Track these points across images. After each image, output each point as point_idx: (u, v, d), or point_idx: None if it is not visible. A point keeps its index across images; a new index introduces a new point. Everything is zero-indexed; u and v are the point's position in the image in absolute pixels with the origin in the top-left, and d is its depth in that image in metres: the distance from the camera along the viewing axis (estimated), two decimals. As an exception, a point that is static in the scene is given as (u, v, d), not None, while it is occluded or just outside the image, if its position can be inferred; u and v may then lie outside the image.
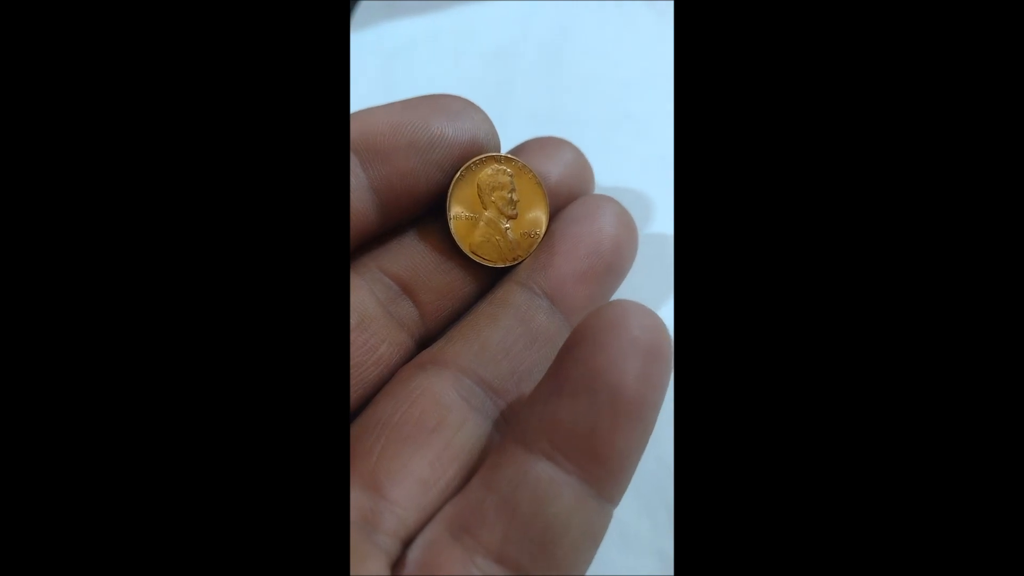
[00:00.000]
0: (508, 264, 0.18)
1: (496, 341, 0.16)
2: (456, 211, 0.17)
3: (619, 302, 0.13)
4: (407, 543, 0.14)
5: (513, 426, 0.14)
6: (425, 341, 0.17)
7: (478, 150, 0.17)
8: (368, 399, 0.16)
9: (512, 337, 0.16)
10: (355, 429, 0.15)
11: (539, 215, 0.18)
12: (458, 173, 0.17)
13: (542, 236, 0.18)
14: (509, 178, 0.17)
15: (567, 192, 0.18)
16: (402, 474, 0.14)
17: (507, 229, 0.17)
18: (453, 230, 0.17)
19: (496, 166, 0.17)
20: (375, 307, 0.16)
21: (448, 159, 0.17)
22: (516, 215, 0.17)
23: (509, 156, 0.17)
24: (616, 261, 0.17)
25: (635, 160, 0.24)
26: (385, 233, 0.17)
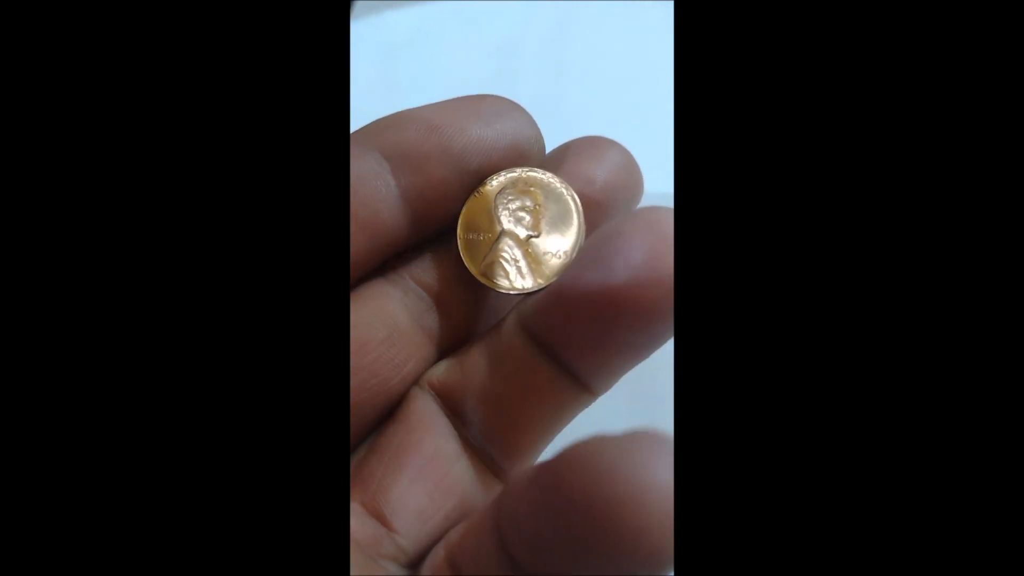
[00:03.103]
0: (521, 292, 0.15)
1: (489, 387, 0.15)
2: (468, 234, 0.15)
3: (598, 452, 0.10)
4: (409, 568, 0.14)
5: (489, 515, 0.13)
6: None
7: (519, 156, 0.15)
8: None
9: (508, 387, 0.14)
10: (365, 450, 0.15)
11: (571, 233, 0.16)
12: (475, 192, 0.15)
13: (571, 261, 0.15)
14: (531, 190, 0.16)
15: (612, 198, 0.16)
16: (401, 503, 0.14)
17: (527, 247, 0.16)
18: (461, 251, 0.15)
19: (514, 176, 0.16)
20: (406, 320, 0.15)
21: (487, 166, 0.15)
22: (539, 233, 0.16)
23: (534, 169, 0.16)
24: (632, 317, 0.13)
25: (641, 156, 0.23)
26: (421, 242, 0.16)
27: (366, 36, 0.33)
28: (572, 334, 0.14)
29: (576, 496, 0.10)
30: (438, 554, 0.13)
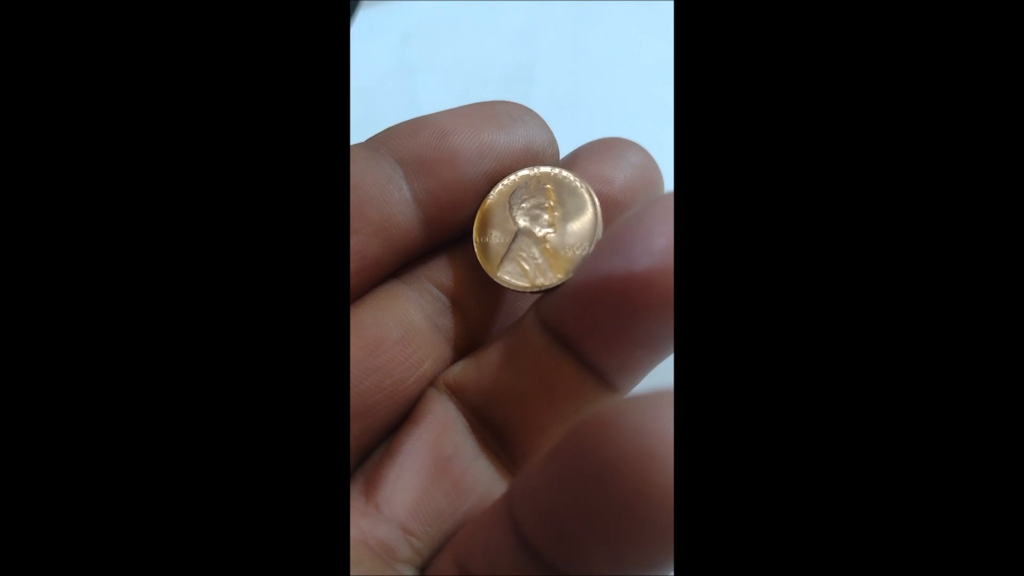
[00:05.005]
0: (540, 289, 0.15)
1: (508, 384, 0.14)
2: (482, 238, 0.15)
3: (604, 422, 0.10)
4: (422, 570, 0.14)
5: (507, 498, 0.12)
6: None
7: (532, 160, 0.15)
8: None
9: (528, 384, 0.14)
10: (381, 452, 0.15)
11: (587, 226, 0.15)
12: (488, 195, 0.15)
13: (590, 253, 0.15)
14: (545, 187, 0.15)
15: (632, 199, 0.16)
16: (418, 504, 0.14)
17: (544, 244, 0.15)
18: (478, 255, 0.15)
19: (527, 174, 0.16)
20: (421, 321, 0.15)
21: (500, 170, 0.15)
22: (555, 229, 0.15)
23: (545, 168, 0.16)
24: (654, 305, 0.12)
25: (659, 150, 0.23)
26: (436, 246, 0.16)
27: (382, 23, 0.33)
28: (594, 326, 0.13)
29: (597, 460, 0.10)
30: (442, 558, 0.13)
